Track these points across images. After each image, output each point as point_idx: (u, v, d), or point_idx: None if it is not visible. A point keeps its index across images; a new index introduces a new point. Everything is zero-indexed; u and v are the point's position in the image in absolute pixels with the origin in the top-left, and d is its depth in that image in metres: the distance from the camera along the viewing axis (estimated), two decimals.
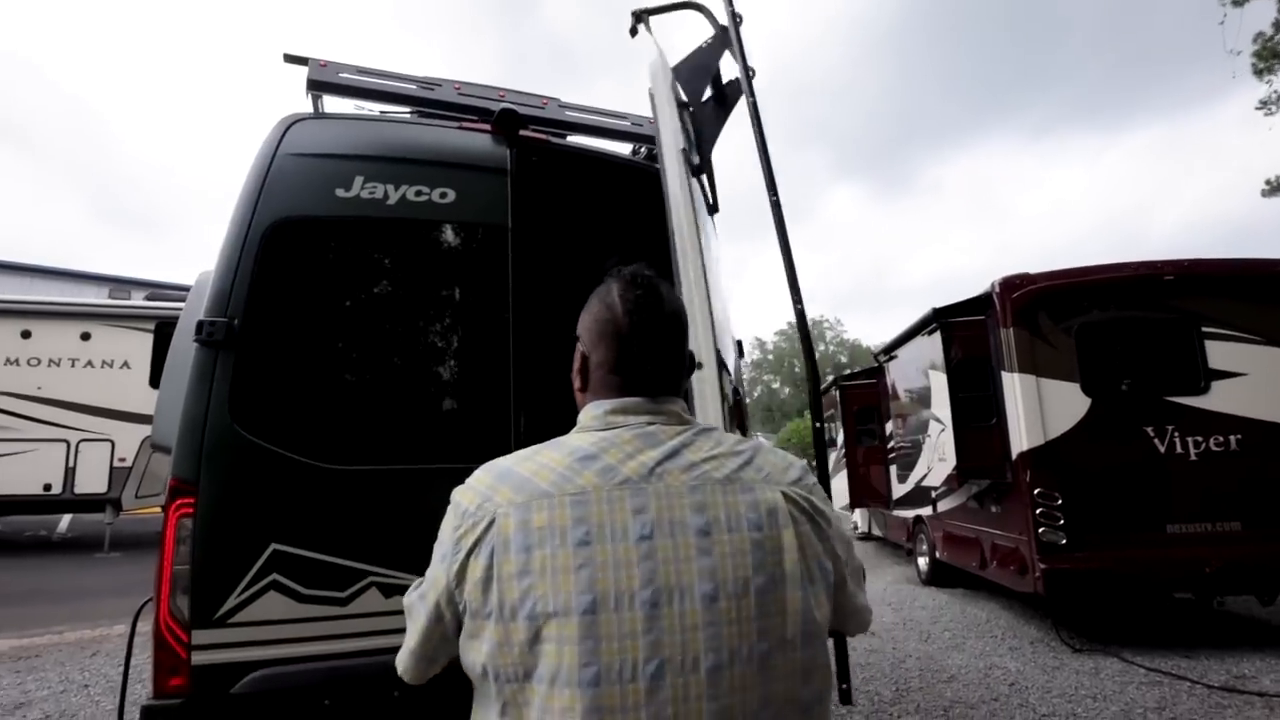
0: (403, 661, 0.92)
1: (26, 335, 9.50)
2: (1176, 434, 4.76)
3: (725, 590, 0.76)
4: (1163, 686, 4.04)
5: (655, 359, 0.91)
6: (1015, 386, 4.94)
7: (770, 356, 55.26)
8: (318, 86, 2.32)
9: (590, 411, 0.91)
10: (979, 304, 5.38)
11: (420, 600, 0.89)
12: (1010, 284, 5.10)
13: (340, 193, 2.13)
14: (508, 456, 0.89)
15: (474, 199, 2.26)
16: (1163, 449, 4.77)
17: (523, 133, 2.46)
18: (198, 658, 1.75)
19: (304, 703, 1.79)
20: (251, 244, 2.01)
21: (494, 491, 0.83)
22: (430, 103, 2.49)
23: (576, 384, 0.96)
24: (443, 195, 2.22)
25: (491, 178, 2.31)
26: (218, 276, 1.98)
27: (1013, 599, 6.19)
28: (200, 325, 1.91)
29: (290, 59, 2.36)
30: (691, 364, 0.98)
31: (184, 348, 1.99)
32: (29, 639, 5.23)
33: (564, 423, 0.98)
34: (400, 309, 2.13)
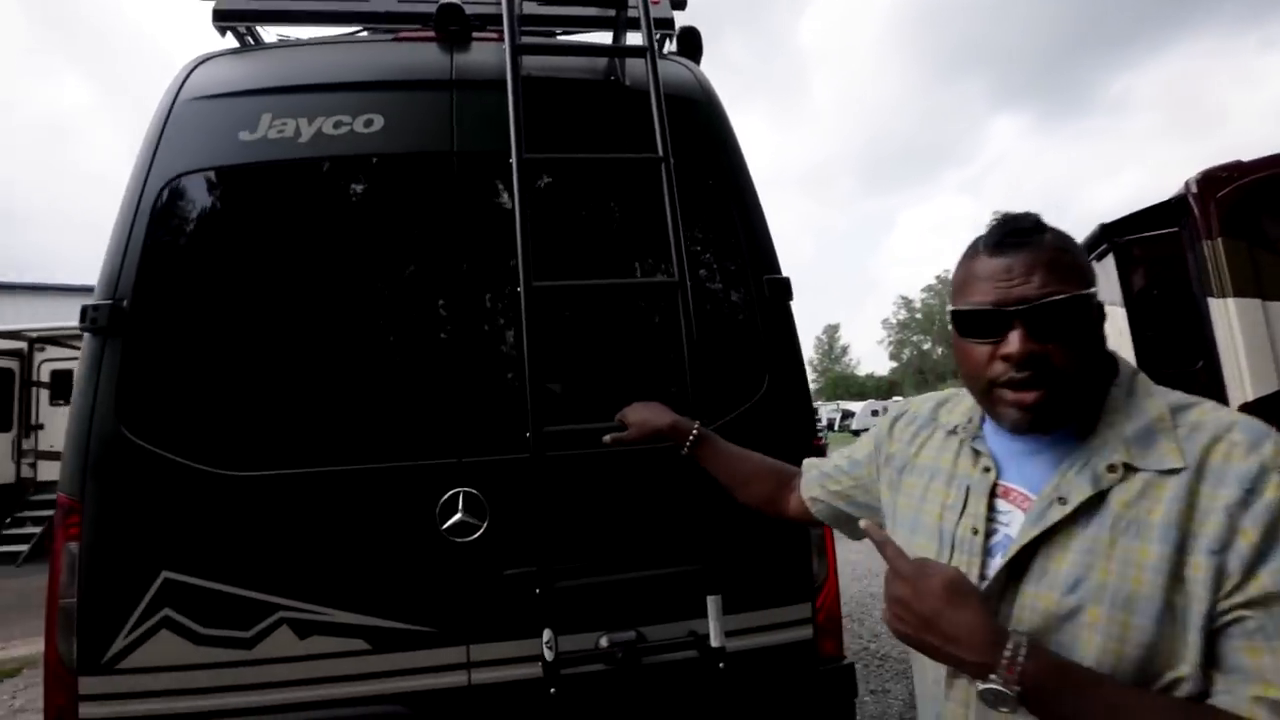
0: None
1: None
2: None
3: None
4: None
5: None
6: (1230, 316, 3.67)
7: (919, 316, 51.02)
8: (226, 17, 1.93)
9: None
10: (1168, 212, 4.08)
11: None
12: (1213, 179, 3.79)
13: (244, 136, 1.72)
14: None
15: (407, 124, 1.77)
16: None
17: (477, 36, 1.94)
18: (86, 710, 1.44)
19: None
20: (144, 210, 1.66)
21: None
22: (367, 17, 2.03)
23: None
24: (367, 124, 1.75)
25: (428, 95, 1.80)
26: (108, 252, 1.65)
27: None
28: (84, 311, 1.59)
29: None
30: None
31: None
32: None
33: None
34: (316, 272, 1.69)
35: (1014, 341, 0.78)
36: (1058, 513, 0.78)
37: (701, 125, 1.93)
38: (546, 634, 1.36)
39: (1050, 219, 0.86)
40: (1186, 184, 3.93)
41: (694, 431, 1.34)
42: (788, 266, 1.88)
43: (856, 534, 1.17)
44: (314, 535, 1.52)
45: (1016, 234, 0.82)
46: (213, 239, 1.69)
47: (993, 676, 0.69)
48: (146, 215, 1.66)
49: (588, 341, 1.75)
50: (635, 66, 1.92)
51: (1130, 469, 0.76)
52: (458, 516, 1.54)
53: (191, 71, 1.82)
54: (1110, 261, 4.28)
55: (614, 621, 1.57)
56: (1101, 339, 0.82)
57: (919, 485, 0.97)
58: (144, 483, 1.51)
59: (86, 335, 1.60)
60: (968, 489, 0.88)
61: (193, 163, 1.71)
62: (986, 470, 0.87)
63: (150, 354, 1.58)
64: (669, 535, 1.58)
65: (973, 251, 0.86)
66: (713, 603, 1.44)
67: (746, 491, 1.30)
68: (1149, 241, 4.15)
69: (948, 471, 0.93)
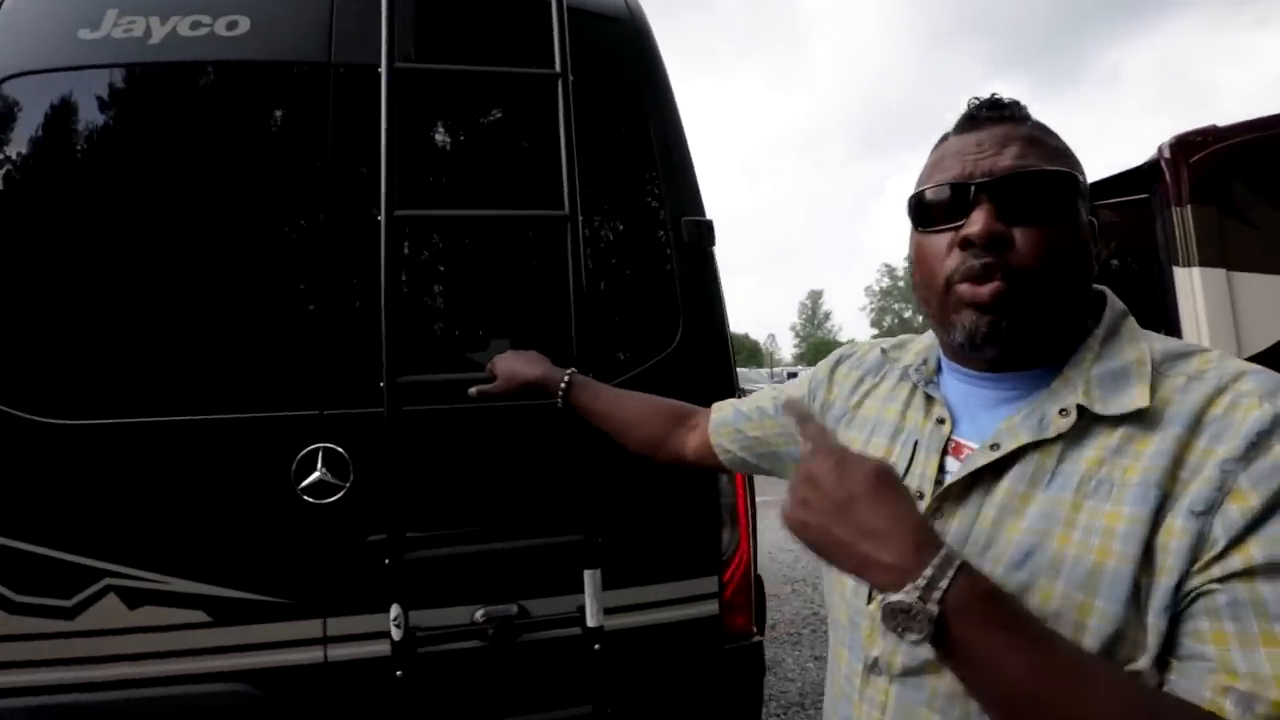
0: None
1: None
2: None
3: None
4: None
5: None
6: (1194, 285, 3.56)
7: (902, 284, 51.16)
8: None
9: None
10: (1140, 178, 3.94)
11: None
12: (1187, 144, 3.63)
13: (85, 34, 1.48)
14: None
15: (278, 28, 1.53)
16: None
17: None
18: None
19: None
20: None
21: None
22: None
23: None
24: (230, 26, 1.52)
25: None
26: None
27: None
28: None
29: None
30: None
31: None
32: None
33: None
34: (162, 195, 1.48)
35: (976, 220, 0.63)
36: (982, 459, 0.64)
37: (622, 47, 1.72)
38: (394, 610, 1.21)
39: None
40: (1160, 148, 3.77)
41: (565, 379, 1.18)
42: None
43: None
44: (147, 494, 1.34)
45: (994, 107, 0.70)
46: (42, 154, 1.46)
47: (909, 587, 0.52)
48: None
49: (473, 281, 1.56)
50: None
51: (1086, 414, 0.61)
52: (316, 475, 1.36)
53: None
54: None
55: (497, 593, 1.43)
56: (1085, 247, 0.66)
57: (858, 441, 0.81)
58: None
59: None
60: (915, 444, 0.73)
61: (20, 64, 1.47)
62: (940, 422, 0.72)
63: None
64: (554, 501, 1.42)
65: (942, 138, 0.73)
66: (590, 577, 1.29)
67: (634, 436, 1.16)
68: (1117, 208, 4.01)
69: (893, 424, 0.78)
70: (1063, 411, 0.62)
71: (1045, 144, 0.67)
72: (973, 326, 0.65)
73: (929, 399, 0.75)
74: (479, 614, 1.40)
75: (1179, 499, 0.55)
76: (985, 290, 0.63)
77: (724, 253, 1.65)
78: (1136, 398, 0.60)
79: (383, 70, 1.35)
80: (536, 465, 1.46)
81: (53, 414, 1.33)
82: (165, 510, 1.34)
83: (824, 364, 0.96)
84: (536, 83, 1.45)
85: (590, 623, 1.28)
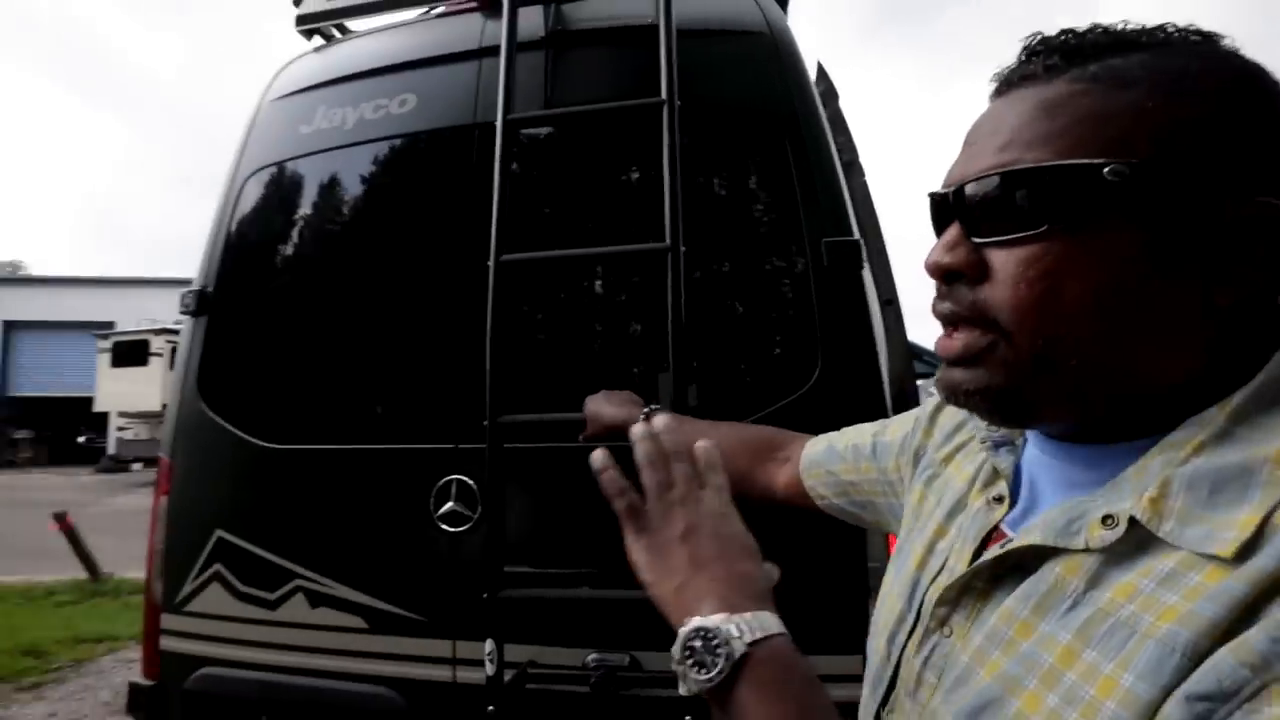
0: None
1: None
2: None
3: None
4: None
5: None
6: None
7: None
8: (305, 21, 2.04)
9: None
10: None
11: None
12: None
13: (303, 129, 1.83)
14: None
15: (436, 99, 1.73)
16: None
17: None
18: (164, 643, 1.67)
19: (243, 714, 1.56)
20: (228, 203, 1.86)
21: None
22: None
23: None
24: (402, 104, 1.75)
25: (457, 68, 1.74)
26: (207, 242, 1.87)
27: None
28: (183, 297, 1.82)
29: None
30: None
31: None
32: None
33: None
34: (349, 256, 1.75)
35: (934, 248, 0.47)
36: (990, 559, 0.47)
37: (760, 63, 1.60)
38: (489, 645, 1.23)
39: None
40: None
41: (640, 418, 1.11)
42: None
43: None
44: (326, 509, 1.57)
45: (1028, 58, 0.46)
46: (268, 228, 1.83)
47: (728, 616, 0.48)
48: (230, 208, 1.85)
49: (597, 320, 1.57)
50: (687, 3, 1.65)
51: (1141, 531, 0.39)
52: (450, 505, 1.47)
53: (278, 74, 1.98)
54: None
55: (609, 639, 1.38)
56: (1146, 268, 0.39)
57: (927, 508, 0.64)
58: (209, 449, 1.69)
59: (186, 317, 1.83)
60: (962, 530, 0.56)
61: (265, 158, 1.86)
62: (997, 501, 0.53)
63: (221, 334, 1.77)
64: None
65: None
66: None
67: None
68: None
69: (957, 494, 0.59)
70: (1107, 520, 0.40)
71: (1081, 110, 0.41)
72: (942, 385, 0.47)
73: (995, 470, 0.55)
74: (591, 658, 1.37)
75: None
76: (948, 346, 0.46)
77: None
78: (1222, 528, 0.35)
79: (498, 121, 1.43)
80: None
81: (267, 439, 1.64)
82: (338, 524, 1.56)
83: (934, 398, 0.76)
84: (645, 113, 1.41)
85: (683, 690, 1.17)
